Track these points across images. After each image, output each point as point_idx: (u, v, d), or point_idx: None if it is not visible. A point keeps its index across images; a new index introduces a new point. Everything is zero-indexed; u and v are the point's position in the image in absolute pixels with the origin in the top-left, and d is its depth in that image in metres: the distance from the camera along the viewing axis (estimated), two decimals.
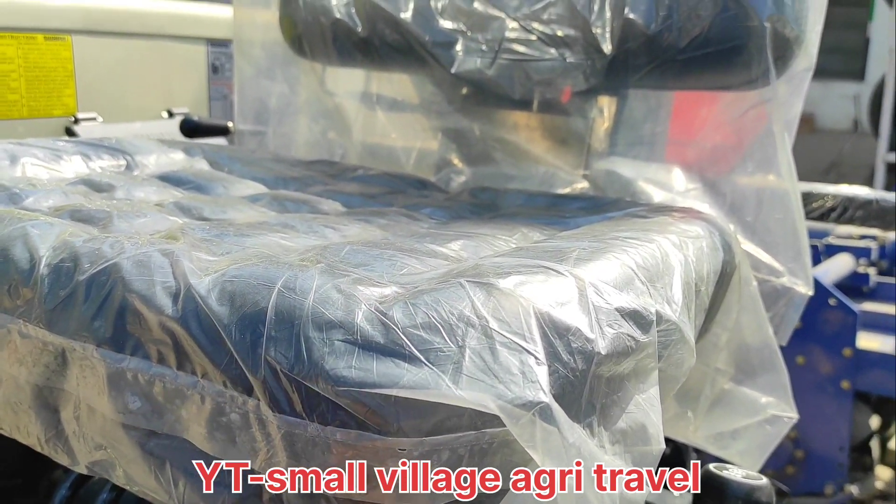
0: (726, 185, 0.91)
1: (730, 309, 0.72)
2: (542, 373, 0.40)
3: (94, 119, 1.24)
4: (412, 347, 0.41)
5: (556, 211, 0.81)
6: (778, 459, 1.84)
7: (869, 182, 4.93)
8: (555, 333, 0.42)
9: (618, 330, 0.45)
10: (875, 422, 2.05)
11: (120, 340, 0.48)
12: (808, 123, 6.32)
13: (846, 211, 1.21)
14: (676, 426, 0.79)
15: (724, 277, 0.66)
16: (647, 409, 0.46)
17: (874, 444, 2.04)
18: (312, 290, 0.44)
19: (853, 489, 1.86)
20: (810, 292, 0.85)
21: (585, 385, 0.43)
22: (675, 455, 1.23)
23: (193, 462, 0.47)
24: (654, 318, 0.47)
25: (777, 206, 0.86)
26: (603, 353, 0.43)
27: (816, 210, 1.22)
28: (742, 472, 0.66)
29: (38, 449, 0.56)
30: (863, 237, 2.50)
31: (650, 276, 0.51)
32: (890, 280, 2.33)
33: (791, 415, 0.81)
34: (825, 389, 1.84)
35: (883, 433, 2.15)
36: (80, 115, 1.23)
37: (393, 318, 0.42)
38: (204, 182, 0.83)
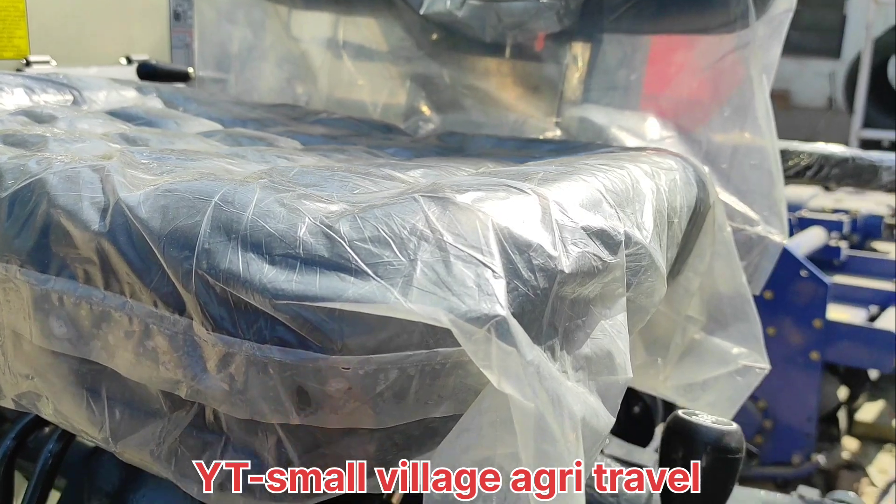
0: (702, 132, 0.88)
1: (703, 252, 0.69)
2: (499, 287, 0.37)
3: (46, 62, 1.18)
4: (359, 261, 0.38)
5: (525, 153, 0.77)
6: (746, 429, 1.83)
7: None
8: (514, 249, 0.39)
9: (583, 248, 0.42)
10: (843, 393, 2.07)
11: (44, 260, 0.44)
12: (783, 100, 6.33)
13: (822, 169, 1.20)
14: (646, 374, 0.76)
15: (698, 215, 0.63)
16: (613, 335, 0.43)
17: (842, 415, 2.05)
18: (252, 204, 0.41)
19: (820, 459, 1.87)
20: (785, 241, 0.82)
21: (547, 305, 0.40)
22: (644, 414, 1.22)
23: (130, 387, 0.43)
24: (623, 240, 0.44)
25: (753, 153, 0.84)
26: (566, 271, 0.40)
27: (792, 168, 1.21)
28: (712, 417, 0.64)
29: None
30: (835, 211, 2.51)
31: (619, 201, 0.48)
32: (861, 254, 2.34)
33: (763, 365, 0.79)
34: (795, 360, 1.84)
35: (850, 404, 2.17)
36: (31, 58, 1.17)
37: (339, 232, 0.39)
38: (155, 118, 0.78)
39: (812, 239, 2.21)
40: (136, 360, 0.41)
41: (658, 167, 0.57)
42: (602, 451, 0.92)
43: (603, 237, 0.43)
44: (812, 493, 1.04)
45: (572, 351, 0.41)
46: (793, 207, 2.28)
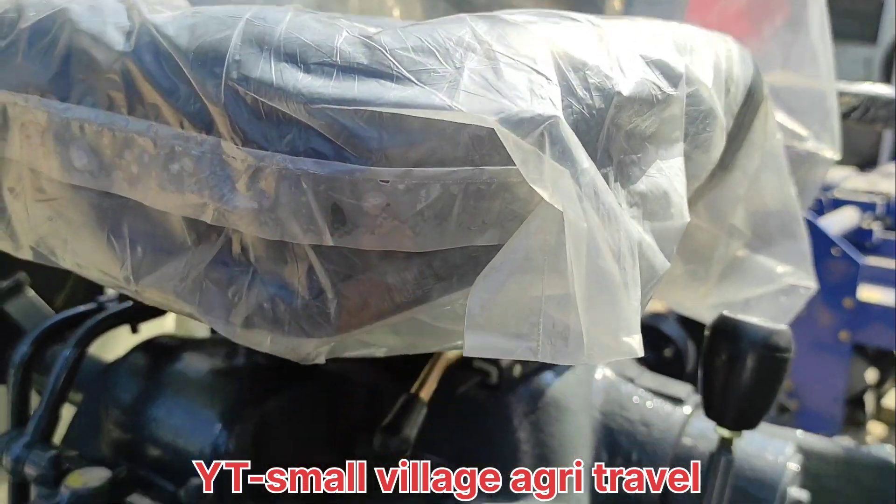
0: (751, 44, 0.84)
1: (752, 151, 0.65)
2: (553, 92, 0.34)
3: None
4: (401, 68, 0.35)
5: None
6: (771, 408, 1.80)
7: (876, 145, 4.87)
8: (569, 66, 0.36)
9: (642, 75, 0.38)
10: (871, 375, 2.01)
11: (66, 88, 0.42)
12: None
13: (868, 111, 1.14)
14: (685, 289, 0.73)
15: (752, 99, 0.59)
16: (670, 176, 0.39)
17: (869, 399, 2.00)
18: (287, 19, 0.38)
19: (846, 441, 1.82)
20: (837, 157, 0.78)
21: (602, 129, 0.36)
22: (676, 357, 1.18)
23: (153, 222, 0.41)
24: (684, 73, 0.41)
25: (805, 65, 0.80)
26: (624, 93, 0.37)
27: None
28: (759, 318, 0.61)
29: None
30: (869, 192, 2.44)
31: (678, 46, 0.44)
32: (895, 236, 2.27)
33: (809, 284, 0.75)
34: (823, 340, 1.79)
35: (879, 388, 2.11)
36: None
37: (379, 42, 0.36)
38: None
39: (844, 219, 2.15)
40: (159, 186, 0.39)
41: (716, 37, 0.53)
42: (634, 381, 0.89)
43: (662, 67, 0.40)
44: (848, 441, 1.01)
45: (626, 185, 0.38)
46: (825, 188, 2.22)
